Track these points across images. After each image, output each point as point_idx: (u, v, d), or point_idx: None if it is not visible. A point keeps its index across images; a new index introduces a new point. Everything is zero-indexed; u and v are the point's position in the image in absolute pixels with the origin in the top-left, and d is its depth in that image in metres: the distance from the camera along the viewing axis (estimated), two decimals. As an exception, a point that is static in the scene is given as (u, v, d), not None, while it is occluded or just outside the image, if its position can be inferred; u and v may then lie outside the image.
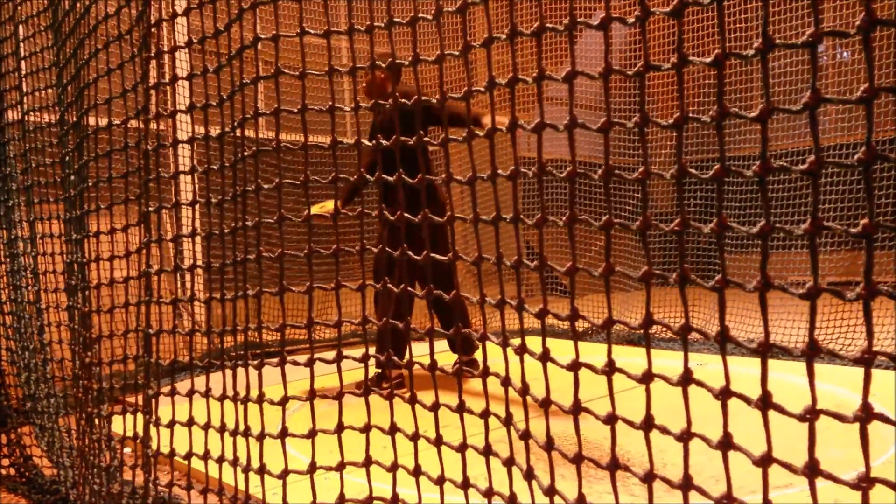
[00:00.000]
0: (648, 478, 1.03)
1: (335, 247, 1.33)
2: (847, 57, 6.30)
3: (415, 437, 1.37)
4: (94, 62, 1.65)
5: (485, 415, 1.25)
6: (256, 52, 1.32)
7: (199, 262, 1.64)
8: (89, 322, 1.79)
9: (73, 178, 1.88)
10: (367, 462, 1.41)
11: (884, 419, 0.79)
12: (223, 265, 1.44)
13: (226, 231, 1.46)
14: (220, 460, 1.54)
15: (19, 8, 2.47)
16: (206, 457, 1.55)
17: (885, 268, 4.83)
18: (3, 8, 2.60)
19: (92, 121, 1.76)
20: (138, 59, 1.53)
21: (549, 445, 1.12)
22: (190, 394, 1.54)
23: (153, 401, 1.56)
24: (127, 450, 1.73)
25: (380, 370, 3.95)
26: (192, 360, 1.54)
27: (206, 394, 1.53)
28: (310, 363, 1.46)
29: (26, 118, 2.55)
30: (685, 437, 0.93)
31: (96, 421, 1.80)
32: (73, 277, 2.00)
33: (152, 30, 1.48)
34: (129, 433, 1.68)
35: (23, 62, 2.53)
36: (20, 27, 2.52)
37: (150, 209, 1.54)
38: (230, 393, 1.53)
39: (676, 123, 0.79)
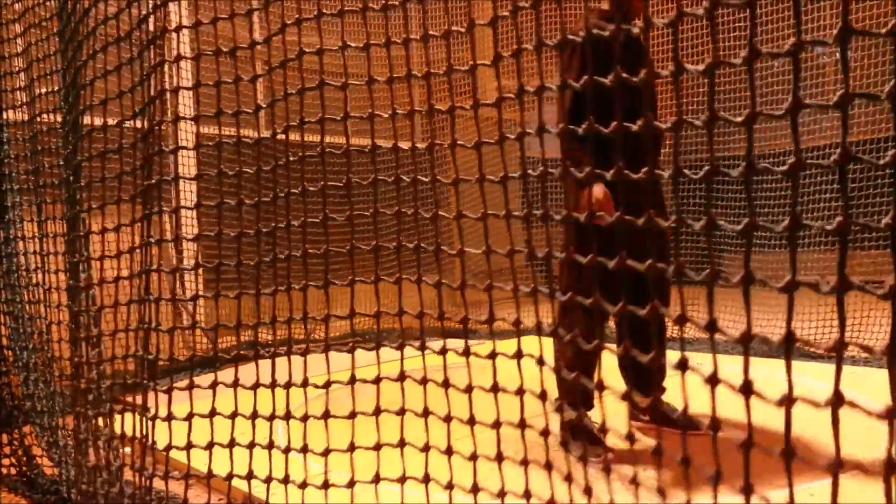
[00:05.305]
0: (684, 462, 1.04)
1: (374, 243, 1.36)
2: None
3: (426, 448, 1.39)
4: (123, 67, 1.66)
5: (497, 419, 1.27)
6: (301, 63, 1.34)
7: (197, 262, 1.66)
8: (98, 319, 1.80)
9: (86, 179, 1.88)
10: (377, 479, 1.44)
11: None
12: (258, 262, 1.47)
13: (263, 231, 1.48)
14: (231, 454, 1.55)
15: (27, 13, 2.47)
16: (212, 449, 1.57)
17: (886, 267, 4.86)
18: (6, 9, 2.60)
19: (114, 122, 1.76)
20: (168, 65, 1.55)
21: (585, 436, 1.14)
22: (213, 386, 1.56)
23: (168, 396, 1.58)
24: (126, 449, 1.74)
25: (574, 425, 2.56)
26: (216, 354, 1.55)
27: (234, 387, 1.55)
28: (327, 353, 1.48)
29: (29, 119, 2.56)
30: (713, 431, 0.95)
31: (101, 421, 1.81)
32: (76, 277, 2.00)
33: (181, 35, 1.51)
34: (131, 433, 1.69)
35: (24, 63, 2.54)
36: (20, 29, 2.53)
37: (189, 207, 1.57)
38: (243, 391, 1.55)
39: (708, 122, 0.81)
